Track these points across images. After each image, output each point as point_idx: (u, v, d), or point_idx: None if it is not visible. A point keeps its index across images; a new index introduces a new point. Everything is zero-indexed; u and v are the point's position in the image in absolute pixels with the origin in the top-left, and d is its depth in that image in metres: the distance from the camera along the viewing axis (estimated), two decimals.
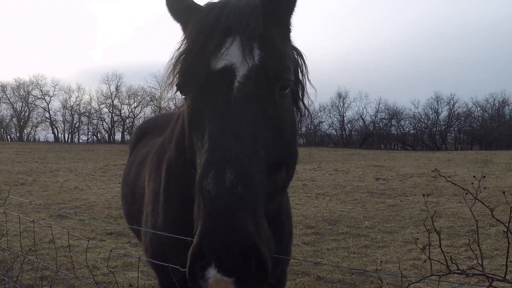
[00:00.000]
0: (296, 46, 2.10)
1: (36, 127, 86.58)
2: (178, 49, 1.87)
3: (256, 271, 1.24)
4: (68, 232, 4.98)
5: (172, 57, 1.87)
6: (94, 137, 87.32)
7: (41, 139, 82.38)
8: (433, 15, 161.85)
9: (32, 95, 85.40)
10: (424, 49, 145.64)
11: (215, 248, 1.21)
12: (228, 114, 1.57)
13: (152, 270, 2.89)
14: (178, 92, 1.86)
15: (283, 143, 1.74)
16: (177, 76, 1.79)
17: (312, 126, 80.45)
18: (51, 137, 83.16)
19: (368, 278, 6.93)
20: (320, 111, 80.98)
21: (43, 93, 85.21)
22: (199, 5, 2.03)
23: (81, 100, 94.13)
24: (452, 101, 76.37)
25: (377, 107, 79.97)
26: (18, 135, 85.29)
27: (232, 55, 1.69)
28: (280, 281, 2.68)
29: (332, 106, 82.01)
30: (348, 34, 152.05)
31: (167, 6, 2.11)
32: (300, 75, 2.09)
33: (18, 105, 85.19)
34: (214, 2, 1.93)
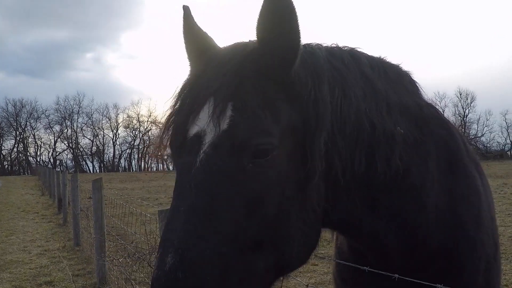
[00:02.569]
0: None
1: None
2: (170, 106, 1.68)
3: None
4: None
5: (164, 114, 1.70)
6: None
7: None
8: None
9: None
10: None
11: None
12: (186, 189, 1.40)
13: None
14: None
15: (261, 219, 1.42)
16: (163, 143, 1.66)
17: None
18: None
19: None
20: None
21: None
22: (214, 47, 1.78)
23: None
24: None
25: None
26: None
27: (202, 120, 1.49)
28: None
29: None
30: None
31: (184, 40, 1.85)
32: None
33: None
34: (211, 52, 1.71)
